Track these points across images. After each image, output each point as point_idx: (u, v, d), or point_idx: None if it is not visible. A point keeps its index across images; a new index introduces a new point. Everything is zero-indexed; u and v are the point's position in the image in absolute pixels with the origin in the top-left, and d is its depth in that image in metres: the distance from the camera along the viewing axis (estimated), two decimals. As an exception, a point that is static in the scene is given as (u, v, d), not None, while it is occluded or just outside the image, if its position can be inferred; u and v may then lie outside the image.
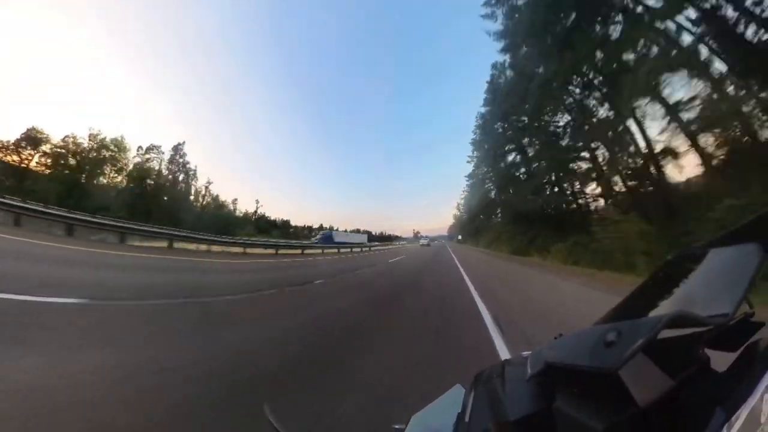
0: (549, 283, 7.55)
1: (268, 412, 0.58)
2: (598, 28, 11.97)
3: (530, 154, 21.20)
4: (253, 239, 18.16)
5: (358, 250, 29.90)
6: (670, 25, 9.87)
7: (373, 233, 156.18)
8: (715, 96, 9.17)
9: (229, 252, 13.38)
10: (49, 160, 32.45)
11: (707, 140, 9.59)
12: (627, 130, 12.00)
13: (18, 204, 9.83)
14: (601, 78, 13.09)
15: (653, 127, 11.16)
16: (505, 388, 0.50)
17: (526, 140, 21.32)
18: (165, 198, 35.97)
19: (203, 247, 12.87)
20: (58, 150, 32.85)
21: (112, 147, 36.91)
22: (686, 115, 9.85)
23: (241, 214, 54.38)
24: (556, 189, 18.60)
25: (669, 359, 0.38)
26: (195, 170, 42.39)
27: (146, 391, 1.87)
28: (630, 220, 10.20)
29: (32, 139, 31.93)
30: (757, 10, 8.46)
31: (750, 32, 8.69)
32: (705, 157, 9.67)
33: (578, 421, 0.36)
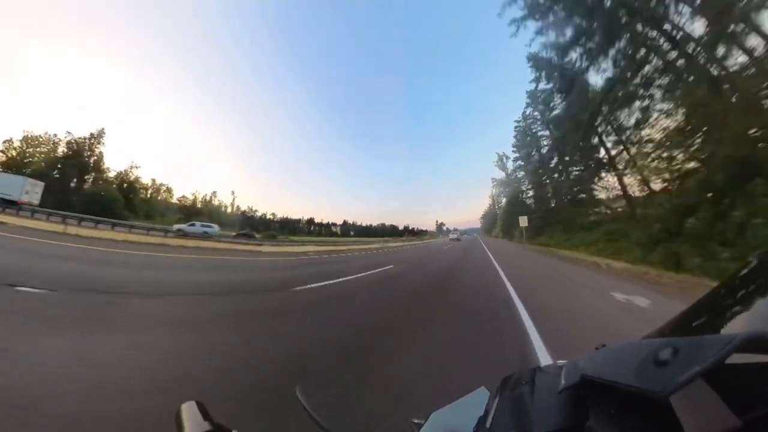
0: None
1: (299, 393, 0.60)
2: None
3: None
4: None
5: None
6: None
7: (399, 228, 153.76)
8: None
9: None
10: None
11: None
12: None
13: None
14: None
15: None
16: (534, 397, 0.48)
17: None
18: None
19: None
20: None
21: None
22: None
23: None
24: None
25: (738, 392, 0.31)
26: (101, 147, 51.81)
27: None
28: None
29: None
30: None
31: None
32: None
33: None
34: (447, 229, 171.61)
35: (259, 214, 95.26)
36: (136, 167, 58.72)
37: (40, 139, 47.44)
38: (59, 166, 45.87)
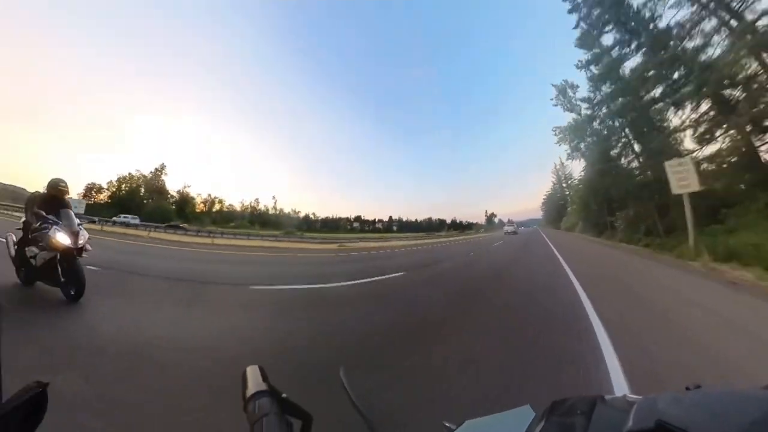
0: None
1: (343, 375, 0.60)
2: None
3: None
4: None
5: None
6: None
7: (448, 221, 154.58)
8: None
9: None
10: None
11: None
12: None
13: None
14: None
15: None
16: None
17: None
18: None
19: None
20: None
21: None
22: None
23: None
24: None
25: None
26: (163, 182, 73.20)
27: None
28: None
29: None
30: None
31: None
32: None
33: None
34: (500, 220, 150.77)
35: (302, 214, 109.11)
36: (188, 186, 79.71)
37: (126, 178, 69.41)
38: (139, 193, 66.45)
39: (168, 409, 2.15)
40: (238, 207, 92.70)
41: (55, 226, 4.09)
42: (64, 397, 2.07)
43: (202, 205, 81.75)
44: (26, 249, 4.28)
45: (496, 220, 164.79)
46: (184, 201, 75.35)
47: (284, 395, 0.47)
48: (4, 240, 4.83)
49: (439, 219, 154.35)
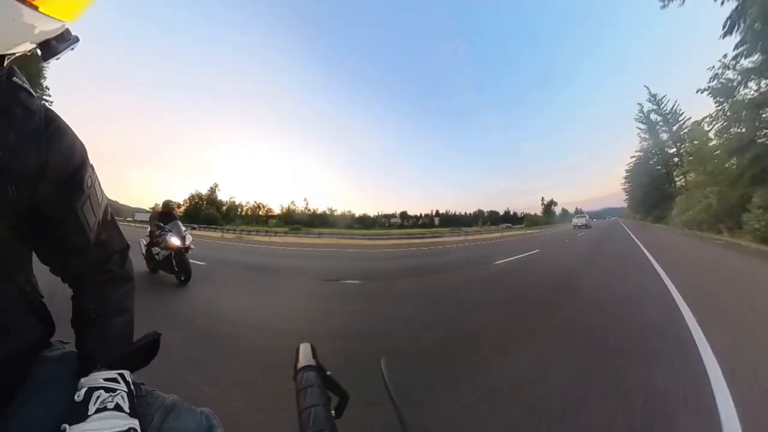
0: None
1: (384, 366, 0.61)
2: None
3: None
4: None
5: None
6: None
7: (500, 213, 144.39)
8: None
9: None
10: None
11: None
12: None
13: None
14: None
15: None
16: None
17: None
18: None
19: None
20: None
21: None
22: None
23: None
24: None
25: None
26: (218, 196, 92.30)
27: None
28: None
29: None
30: None
31: None
32: None
33: None
34: (563, 210, 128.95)
35: (338, 212, 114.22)
36: (234, 198, 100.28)
37: (192, 195, 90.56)
38: (202, 206, 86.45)
39: (237, 368, 2.88)
40: (277, 210, 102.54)
41: (169, 233, 6.07)
42: (170, 344, 2.86)
43: (250, 210, 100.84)
44: (152, 248, 6.38)
45: (556, 210, 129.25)
46: (230, 209, 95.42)
47: (328, 373, 0.52)
48: (139, 243, 6.91)
49: (489, 211, 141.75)
